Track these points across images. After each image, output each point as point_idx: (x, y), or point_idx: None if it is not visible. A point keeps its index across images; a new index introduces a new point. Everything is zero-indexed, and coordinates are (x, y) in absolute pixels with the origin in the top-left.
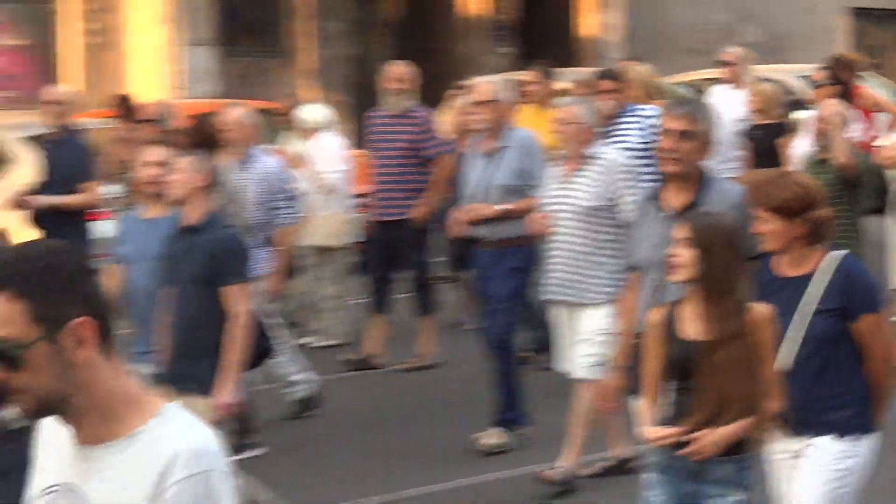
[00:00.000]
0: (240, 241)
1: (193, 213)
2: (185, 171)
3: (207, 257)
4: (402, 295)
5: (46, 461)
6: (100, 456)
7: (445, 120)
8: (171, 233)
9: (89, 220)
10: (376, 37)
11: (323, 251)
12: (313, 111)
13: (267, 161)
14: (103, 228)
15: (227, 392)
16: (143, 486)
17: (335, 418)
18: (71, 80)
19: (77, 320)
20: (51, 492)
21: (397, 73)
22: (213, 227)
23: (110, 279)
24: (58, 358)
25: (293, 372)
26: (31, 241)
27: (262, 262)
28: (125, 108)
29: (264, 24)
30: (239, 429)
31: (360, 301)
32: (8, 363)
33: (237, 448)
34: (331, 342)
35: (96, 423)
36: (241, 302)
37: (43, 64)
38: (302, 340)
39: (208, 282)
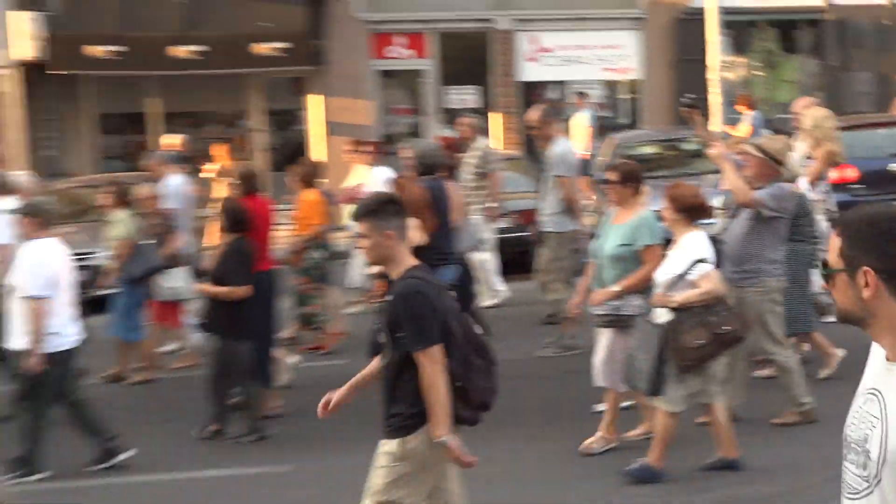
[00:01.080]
0: None
1: None
2: None
3: None
4: None
5: (870, 367)
6: (893, 371)
7: None
8: None
9: None
10: None
11: None
12: None
13: None
14: None
15: None
16: None
17: None
18: None
19: (864, 268)
20: (868, 392)
21: None
22: None
23: None
24: (852, 289)
25: None
26: (870, 207)
27: None
28: None
29: None
30: None
31: None
32: (826, 279)
33: None
34: None
35: (891, 344)
36: None
37: None
38: None
39: None
